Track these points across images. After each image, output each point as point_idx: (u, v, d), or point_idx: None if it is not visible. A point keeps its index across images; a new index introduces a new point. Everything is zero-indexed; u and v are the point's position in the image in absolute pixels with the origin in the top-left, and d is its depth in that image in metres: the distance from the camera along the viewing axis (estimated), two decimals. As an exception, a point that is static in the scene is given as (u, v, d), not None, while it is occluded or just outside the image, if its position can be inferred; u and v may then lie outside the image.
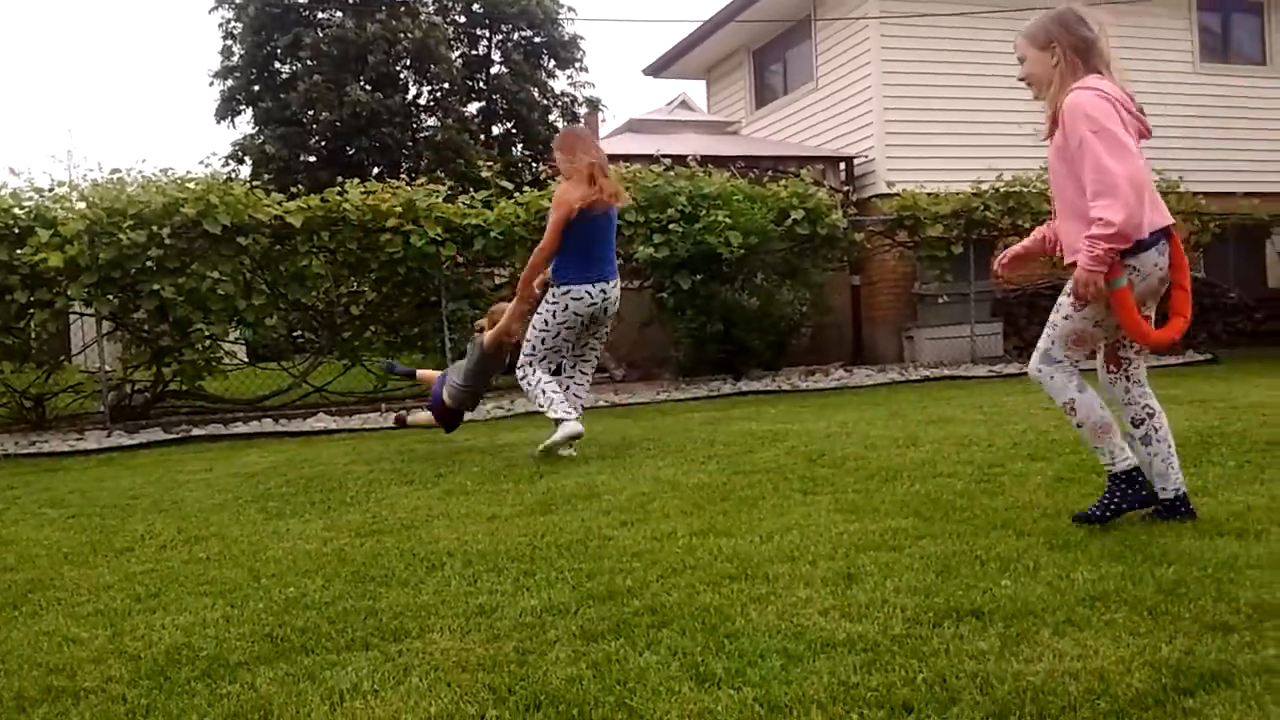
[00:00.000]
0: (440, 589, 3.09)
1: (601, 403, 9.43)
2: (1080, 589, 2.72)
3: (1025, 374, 9.99)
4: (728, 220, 10.25)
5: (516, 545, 3.64)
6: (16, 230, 8.81)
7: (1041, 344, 3.49)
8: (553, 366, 5.94)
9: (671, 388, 10.42)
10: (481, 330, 6.26)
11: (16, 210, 8.94)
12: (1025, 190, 11.95)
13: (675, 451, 5.86)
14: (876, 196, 12.94)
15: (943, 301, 12.16)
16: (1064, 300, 3.37)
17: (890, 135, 13.17)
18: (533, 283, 5.88)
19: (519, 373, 5.87)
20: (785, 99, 15.41)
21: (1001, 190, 11.97)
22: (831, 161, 13.60)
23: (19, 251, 8.71)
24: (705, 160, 11.58)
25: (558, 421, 5.65)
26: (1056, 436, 5.58)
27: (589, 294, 5.74)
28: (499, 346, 6.16)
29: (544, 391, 5.72)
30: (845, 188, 12.91)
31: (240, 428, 8.76)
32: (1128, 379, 3.49)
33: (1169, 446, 3.42)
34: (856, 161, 13.50)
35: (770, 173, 12.39)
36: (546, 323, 5.78)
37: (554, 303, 5.75)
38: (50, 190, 9.25)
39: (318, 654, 2.52)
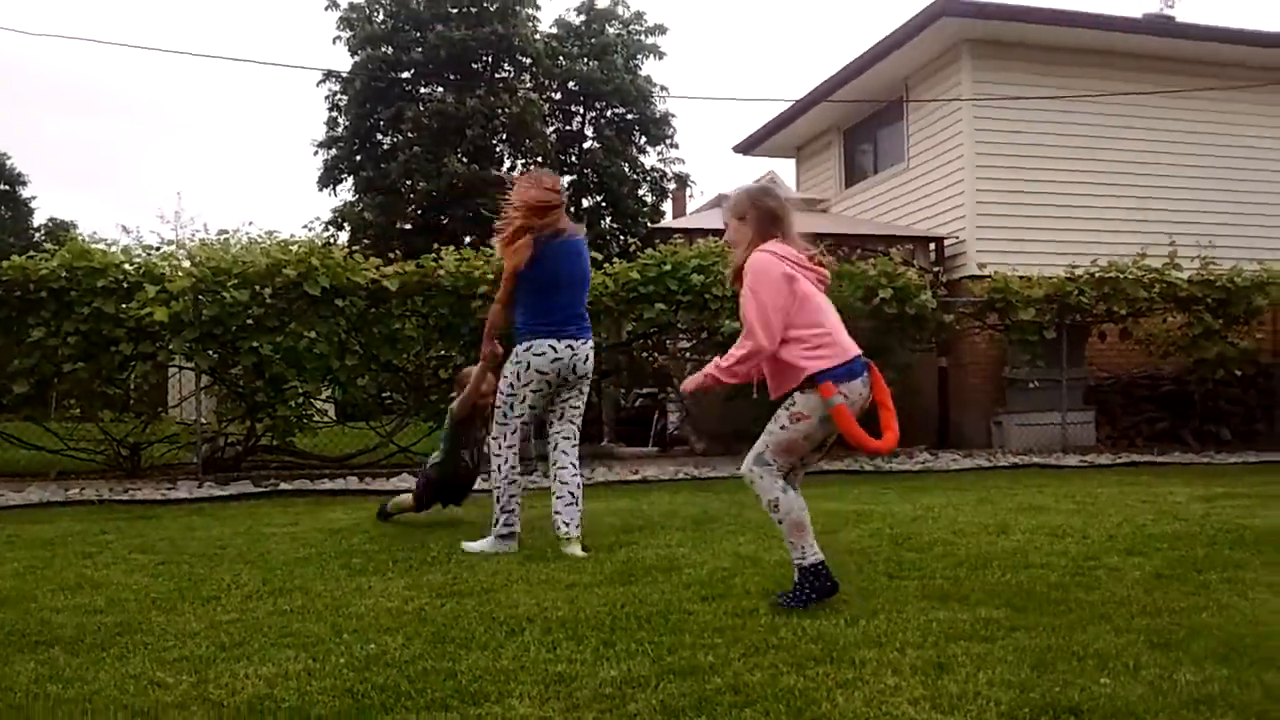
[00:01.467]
0: (519, 654, 3.07)
1: (681, 475, 9.38)
2: (1183, 691, 2.59)
3: (1120, 464, 9.61)
4: (815, 297, 10.21)
5: (596, 614, 3.60)
6: (125, 285, 9.18)
7: (756, 448, 3.99)
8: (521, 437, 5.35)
9: (753, 463, 10.31)
10: (453, 399, 6.05)
11: (126, 266, 9.33)
12: (1121, 276, 11.71)
13: (756, 528, 5.78)
14: (967, 278, 12.80)
15: (1033, 387, 11.91)
16: (782, 414, 3.93)
17: (982, 217, 13.06)
18: None
19: (492, 444, 5.31)
20: (875, 178, 15.41)
21: (1096, 275, 11.75)
22: (921, 242, 13.51)
23: (126, 305, 9.05)
24: (794, 237, 11.58)
25: (497, 536, 5.12)
26: (1154, 531, 5.38)
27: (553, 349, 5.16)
28: (470, 413, 5.94)
29: (504, 494, 5.17)
30: (935, 268, 12.80)
31: (327, 484, 8.90)
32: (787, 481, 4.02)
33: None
34: (947, 242, 13.39)
35: (859, 251, 12.35)
36: (512, 385, 5.23)
37: (516, 361, 5.21)
38: (159, 248, 9.64)
39: (397, 713, 2.52)
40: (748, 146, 18.20)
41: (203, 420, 9.70)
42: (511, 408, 5.22)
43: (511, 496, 5.18)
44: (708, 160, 65.90)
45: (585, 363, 5.24)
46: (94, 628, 3.52)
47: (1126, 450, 11.59)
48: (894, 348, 11.09)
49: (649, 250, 10.81)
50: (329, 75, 27.27)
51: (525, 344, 5.15)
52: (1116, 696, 2.54)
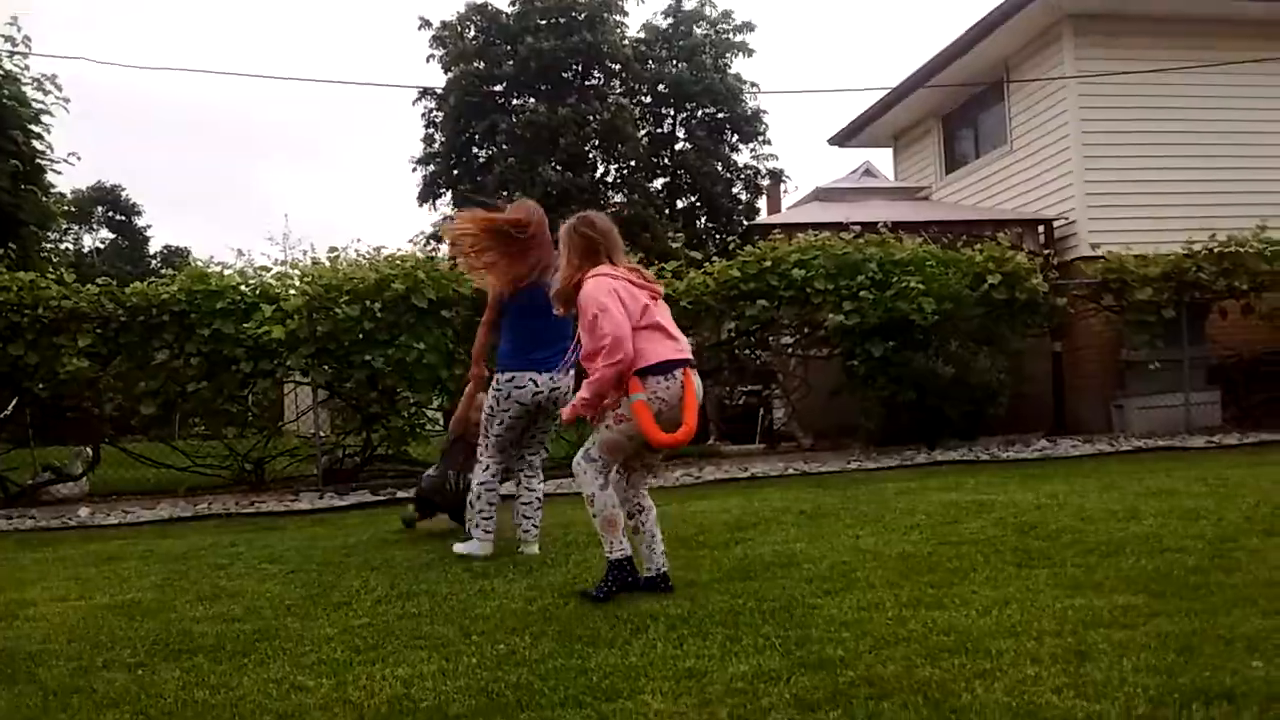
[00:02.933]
0: (647, 651, 3.07)
1: (791, 471, 9.31)
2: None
3: (1249, 444, 9.27)
4: (921, 286, 10.05)
5: (719, 610, 3.59)
6: (243, 306, 9.49)
7: (586, 444, 4.23)
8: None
9: (862, 457, 10.18)
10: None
11: (243, 287, 9.65)
12: (1241, 250, 11.24)
13: (873, 521, 5.70)
14: (1079, 259, 12.43)
15: (1154, 368, 11.49)
16: (609, 414, 4.13)
17: (1092, 196, 12.66)
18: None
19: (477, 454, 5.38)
20: (977, 163, 15.07)
21: (1215, 250, 11.30)
22: (1029, 225, 13.17)
23: (244, 325, 9.36)
24: (895, 226, 11.41)
25: (478, 538, 5.21)
26: (1297, 511, 5.14)
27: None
28: (460, 432, 6.04)
29: (481, 502, 5.26)
30: (1045, 251, 12.46)
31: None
32: (628, 483, 4.25)
33: (652, 536, 4.20)
34: (1056, 224, 13.02)
35: (964, 238, 12.09)
36: (491, 409, 5.25)
37: (498, 390, 5.20)
38: (272, 269, 9.96)
39: (533, 710, 2.54)
40: (843, 138, 17.98)
41: (321, 434, 9.97)
42: (491, 426, 5.27)
43: (490, 504, 5.27)
44: (803, 154, 65.47)
45: (566, 395, 5.21)
46: (233, 635, 3.64)
47: (1254, 430, 11.09)
48: (1005, 334, 10.85)
49: (748, 248, 10.76)
50: (424, 93, 27.78)
51: (507, 375, 5.16)
52: (1271, 679, 2.44)
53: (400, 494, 8.96)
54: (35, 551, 6.54)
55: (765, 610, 3.55)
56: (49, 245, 13.92)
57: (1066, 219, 12.91)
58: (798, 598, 3.74)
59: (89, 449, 10.44)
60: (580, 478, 4.19)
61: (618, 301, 4.07)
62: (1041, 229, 13.13)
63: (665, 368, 4.07)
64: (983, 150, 15.05)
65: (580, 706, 2.55)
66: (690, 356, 4.21)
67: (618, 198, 27.19)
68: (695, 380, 4.15)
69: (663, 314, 4.20)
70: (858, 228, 11.09)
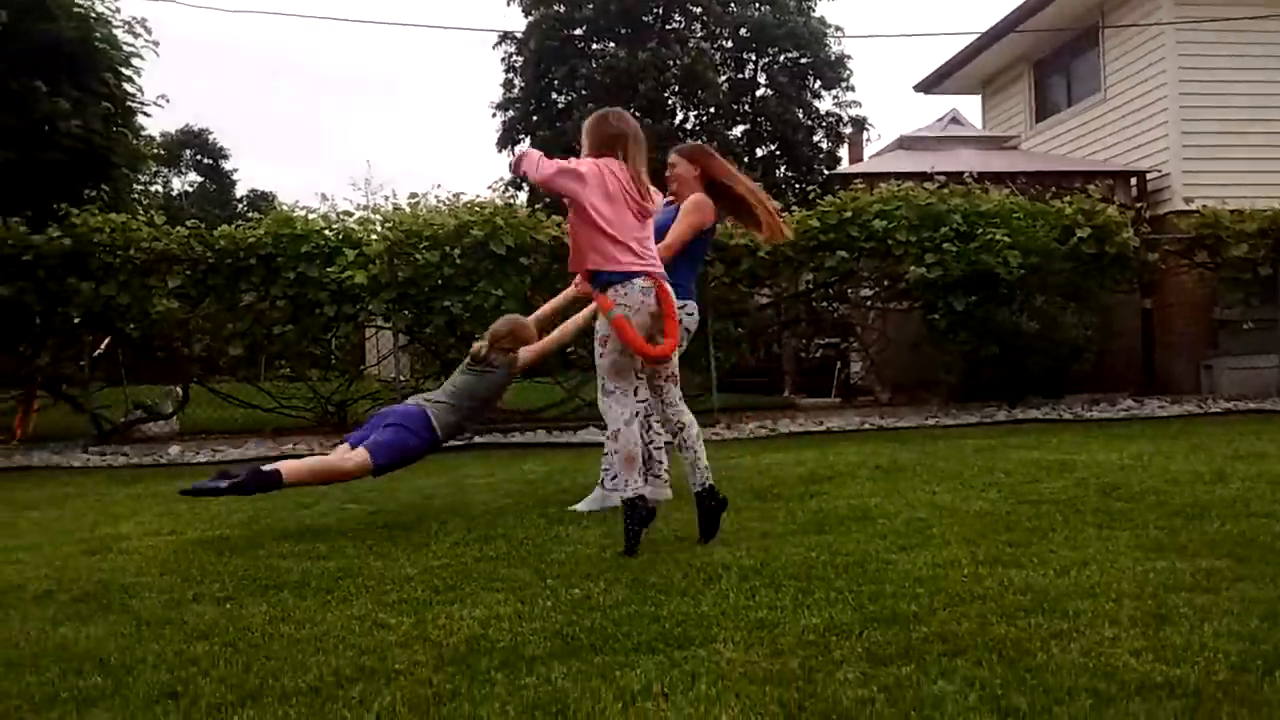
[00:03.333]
0: (719, 601, 3.09)
1: (867, 426, 9.23)
2: None
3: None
4: (1006, 239, 9.81)
5: (791, 563, 3.60)
6: (326, 250, 9.65)
7: (598, 381, 4.31)
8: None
9: (941, 412, 10.06)
10: (483, 352, 5.27)
11: (327, 232, 9.81)
12: (1347, 206, 10.77)
13: (951, 477, 5.63)
14: (1172, 213, 12.03)
15: (1247, 328, 11.12)
16: (596, 345, 4.29)
17: (1188, 148, 12.22)
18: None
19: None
20: (1068, 112, 14.61)
21: (1319, 206, 10.84)
22: (1121, 177, 12.76)
23: (328, 269, 9.53)
24: (981, 177, 11.13)
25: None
26: (1396, 478, 4.96)
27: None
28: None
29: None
30: (1137, 204, 12.08)
31: (517, 437, 9.19)
32: (662, 402, 4.31)
33: (695, 453, 4.18)
34: (1149, 176, 12.61)
35: (1053, 189, 11.76)
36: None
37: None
38: (354, 215, 10.10)
39: (607, 654, 2.58)
40: (930, 84, 17.56)
41: (401, 378, 10.15)
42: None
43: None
44: (886, 101, 64.08)
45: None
46: (318, 572, 3.75)
47: (1353, 394, 10.70)
48: (1093, 290, 10.57)
49: (828, 197, 10.61)
50: (504, 37, 27.76)
51: (681, 303, 4.65)
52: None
53: (477, 439, 9.11)
54: (128, 487, 6.80)
55: (839, 564, 3.54)
56: (139, 188, 14.27)
57: (1160, 171, 12.49)
58: (872, 553, 3.72)
59: (179, 389, 10.78)
60: (606, 414, 4.24)
61: (598, 178, 4.13)
62: (1134, 181, 12.73)
63: (624, 276, 4.09)
64: (1075, 99, 14.58)
65: (653, 653, 2.58)
66: (658, 269, 4.19)
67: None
68: (670, 292, 4.17)
69: (639, 231, 4.16)
70: (942, 178, 10.85)
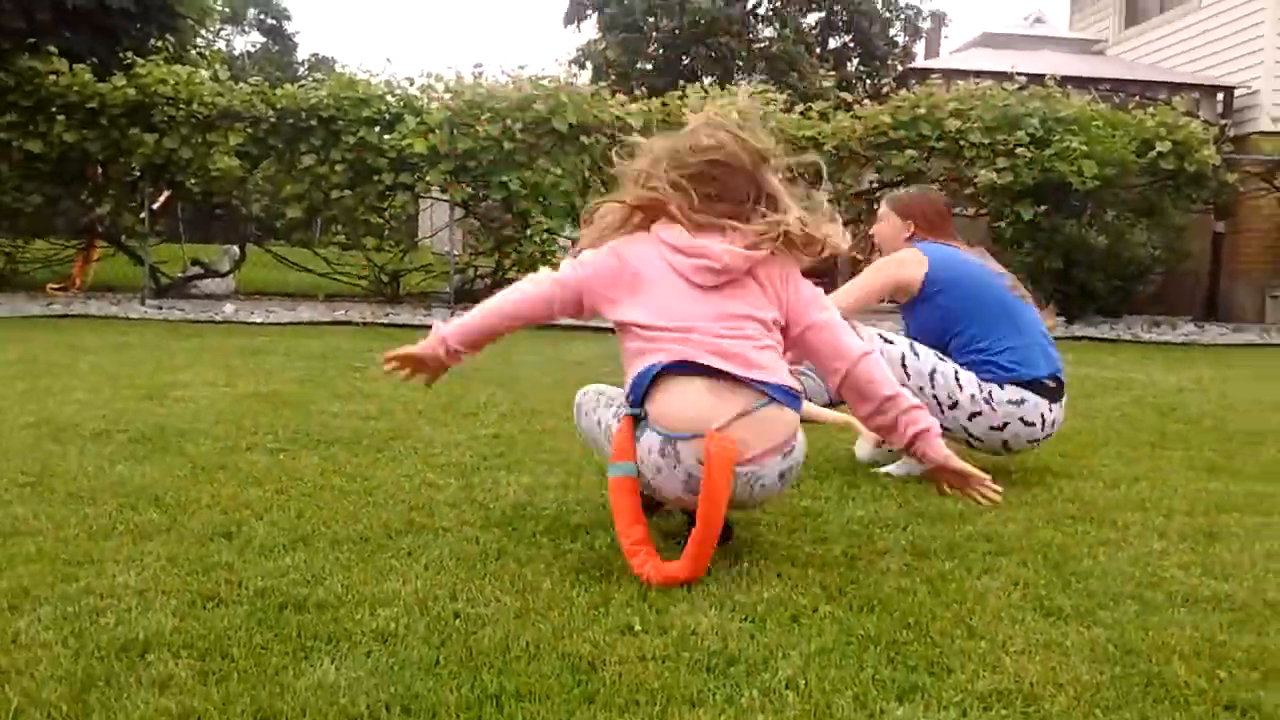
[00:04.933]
0: (764, 487, 3.09)
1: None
2: None
3: None
4: (1083, 147, 9.49)
5: (838, 456, 3.59)
6: (387, 116, 9.58)
7: None
8: None
9: (997, 323, 9.89)
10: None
11: (389, 98, 9.72)
12: None
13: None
14: (1257, 134, 11.56)
15: (1323, 258, 10.78)
16: None
17: (1282, 65, 11.67)
18: None
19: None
20: (1160, 18, 13.97)
21: None
22: (1208, 91, 12.26)
23: (387, 136, 9.47)
24: (1064, 81, 10.72)
25: None
26: None
27: None
28: None
29: None
30: (1222, 121, 11.61)
31: (566, 320, 9.18)
32: None
33: None
34: (1238, 93, 12.09)
35: (1136, 99, 11.33)
36: None
37: None
38: (417, 81, 9.98)
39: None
40: (1017, -21, 16.83)
41: (455, 252, 10.16)
42: None
43: None
44: None
45: None
46: (369, 432, 3.80)
47: None
48: (1166, 208, 10.25)
49: (903, 92, 10.30)
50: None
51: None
52: None
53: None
54: (184, 341, 6.92)
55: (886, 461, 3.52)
56: (202, 43, 14.19)
57: (1249, 88, 11.97)
58: (919, 452, 3.70)
59: (236, 248, 10.88)
60: None
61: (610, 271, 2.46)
62: (1220, 96, 12.23)
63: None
64: (1169, 4, 13.92)
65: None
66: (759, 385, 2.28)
67: (768, 31, 26.24)
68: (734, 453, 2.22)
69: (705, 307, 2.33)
70: (1023, 78, 10.46)
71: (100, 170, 9.95)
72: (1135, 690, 1.69)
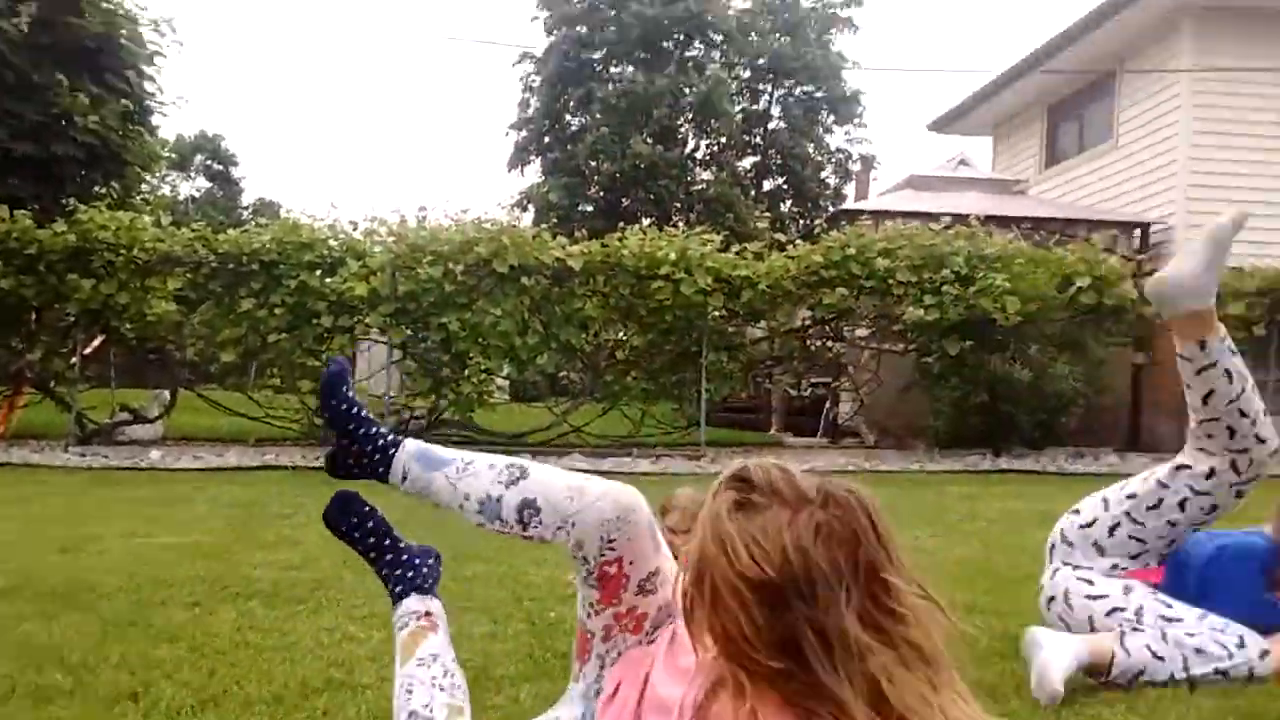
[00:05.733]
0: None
1: (852, 467, 9.20)
2: None
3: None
4: (1006, 284, 9.80)
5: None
6: (329, 260, 9.66)
7: None
8: None
9: (926, 458, 10.02)
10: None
11: (332, 242, 9.82)
12: (1348, 271, 10.78)
13: (932, 523, 5.61)
14: (1172, 268, 12.03)
15: (1241, 388, 11.10)
16: None
17: (1194, 201, 12.23)
18: None
19: None
20: (1079, 158, 14.66)
21: (1319, 269, 10.85)
22: (1125, 227, 12.80)
23: (329, 280, 9.53)
24: (987, 220, 11.14)
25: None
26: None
27: None
28: None
29: None
30: (1139, 255, 12.09)
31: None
32: None
33: None
34: (1154, 228, 12.64)
35: (1057, 236, 11.80)
36: None
37: None
38: (360, 225, 10.11)
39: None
40: (943, 124, 17.62)
41: (391, 394, 10.12)
42: None
43: None
44: (897, 139, 64.50)
45: None
46: (290, 582, 3.72)
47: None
48: (1088, 342, 10.56)
49: (834, 232, 10.62)
50: (524, 56, 27.88)
51: None
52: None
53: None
54: (106, 489, 6.77)
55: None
56: (147, 188, 14.32)
57: (1165, 223, 12.52)
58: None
59: (166, 393, 10.73)
60: None
61: None
62: (1138, 232, 12.77)
63: None
64: (1086, 145, 14.64)
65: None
66: None
67: (705, 175, 27.06)
68: None
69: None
70: (948, 218, 10.86)
71: (35, 316, 9.85)
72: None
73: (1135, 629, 2.59)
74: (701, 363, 10.10)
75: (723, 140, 26.99)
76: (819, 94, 27.83)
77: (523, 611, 3.31)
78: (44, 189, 10.67)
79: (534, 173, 28.03)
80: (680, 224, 14.93)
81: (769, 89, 28.41)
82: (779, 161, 27.99)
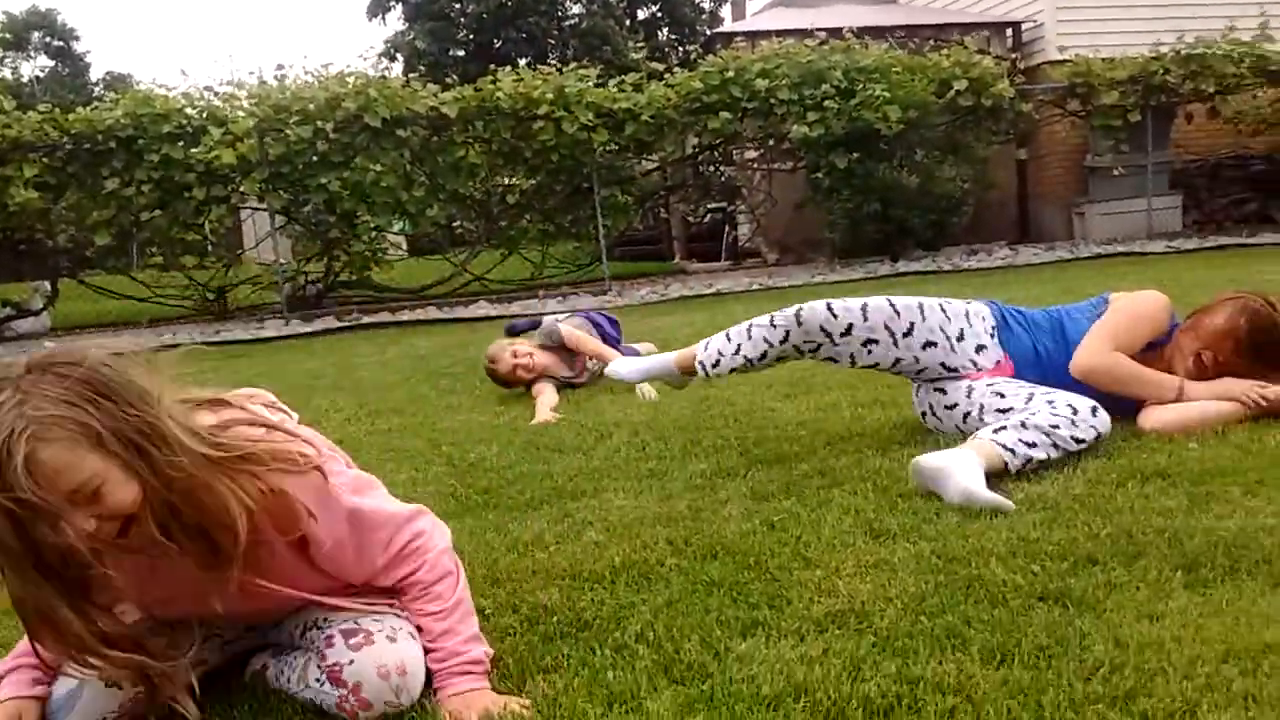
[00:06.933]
0: (610, 455, 3.16)
1: (755, 286, 9.37)
2: (1272, 451, 2.58)
3: (1208, 248, 9.29)
4: (886, 94, 9.88)
5: (681, 417, 3.68)
6: (190, 130, 9.23)
7: None
8: None
9: (826, 270, 10.26)
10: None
11: (189, 110, 9.36)
12: (1209, 52, 11.09)
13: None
14: (1046, 64, 12.23)
15: (1117, 174, 11.51)
16: None
17: (1061, -3, 12.36)
18: None
19: None
20: (946, -37, 14.60)
21: (1183, 53, 11.14)
22: (997, 27, 12.89)
23: (193, 150, 9.13)
24: (862, 32, 11.12)
25: None
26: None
27: None
28: None
29: None
30: (1012, 55, 12.23)
31: (407, 315, 9.09)
32: None
33: None
34: (1025, 26, 12.75)
35: (932, 42, 11.84)
36: None
37: None
38: (217, 90, 9.64)
39: (501, 510, 2.63)
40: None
41: (281, 261, 9.88)
42: None
43: None
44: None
45: None
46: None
47: (1215, 234, 11.23)
48: (970, 143, 10.77)
49: (710, 57, 10.50)
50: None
51: None
52: (1204, 459, 2.54)
53: (365, 319, 8.98)
54: None
55: (726, 415, 3.64)
56: (-16, 72, 13.31)
57: (1035, 21, 12.64)
58: (758, 403, 3.83)
59: (46, 283, 10.32)
60: None
61: None
62: (1009, 32, 12.88)
63: None
64: (953, -50, 14.56)
65: (547, 505, 2.64)
66: None
67: (576, 9, 26.24)
68: None
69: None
70: (823, 34, 10.81)
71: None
72: (958, 594, 1.82)
73: (1001, 428, 2.70)
74: (595, 199, 10.04)
75: (591, -30, 26.14)
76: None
77: (442, 456, 3.36)
78: None
79: (395, 20, 26.85)
80: (555, 62, 14.55)
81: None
82: (651, -12, 27.29)
